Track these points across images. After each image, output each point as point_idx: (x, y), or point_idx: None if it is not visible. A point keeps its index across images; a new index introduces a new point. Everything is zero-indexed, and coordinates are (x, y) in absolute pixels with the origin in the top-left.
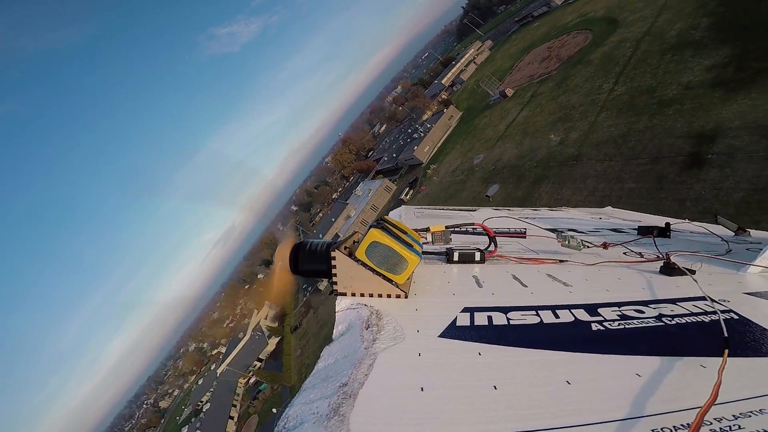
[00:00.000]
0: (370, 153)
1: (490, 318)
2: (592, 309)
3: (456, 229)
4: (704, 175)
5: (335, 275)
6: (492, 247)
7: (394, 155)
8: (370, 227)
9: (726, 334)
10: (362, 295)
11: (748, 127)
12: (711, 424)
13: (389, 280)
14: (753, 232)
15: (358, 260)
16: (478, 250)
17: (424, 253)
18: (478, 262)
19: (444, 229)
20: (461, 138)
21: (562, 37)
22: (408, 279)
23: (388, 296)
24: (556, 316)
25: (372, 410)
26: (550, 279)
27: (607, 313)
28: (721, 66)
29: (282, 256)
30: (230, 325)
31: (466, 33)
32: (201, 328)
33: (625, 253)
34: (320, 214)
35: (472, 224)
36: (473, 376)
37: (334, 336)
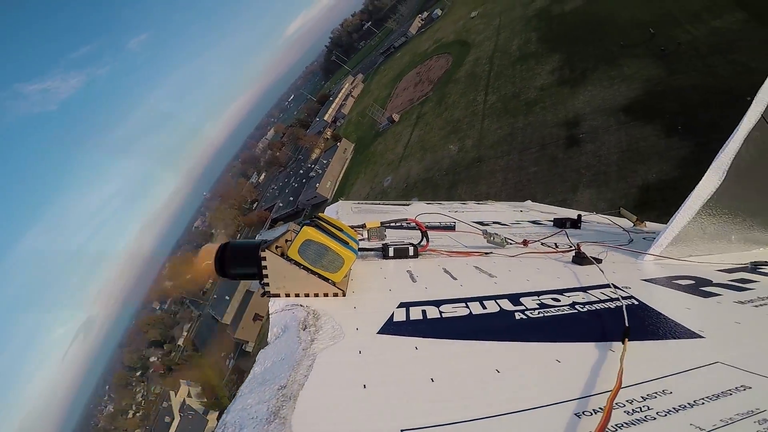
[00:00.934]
0: (255, 204)
1: (424, 312)
2: (515, 299)
3: (391, 224)
4: (584, 150)
5: (266, 276)
6: (424, 242)
7: (291, 198)
8: (303, 225)
9: (627, 324)
10: (297, 295)
11: (596, 111)
12: (624, 406)
13: (326, 279)
14: (648, 223)
15: (290, 260)
16: (412, 245)
17: (360, 249)
18: (411, 257)
19: (379, 225)
20: (362, 167)
21: (427, 62)
22: (345, 276)
23: (325, 295)
24: (484, 307)
25: (314, 411)
26: (477, 271)
27: (528, 302)
28: (559, 69)
29: (207, 258)
30: (137, 414)
31: (333, 70)
32: (97, 424)
33: (542, 244)
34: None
35: (406, 219)
36: (411, 370)
37: (269, 339)
